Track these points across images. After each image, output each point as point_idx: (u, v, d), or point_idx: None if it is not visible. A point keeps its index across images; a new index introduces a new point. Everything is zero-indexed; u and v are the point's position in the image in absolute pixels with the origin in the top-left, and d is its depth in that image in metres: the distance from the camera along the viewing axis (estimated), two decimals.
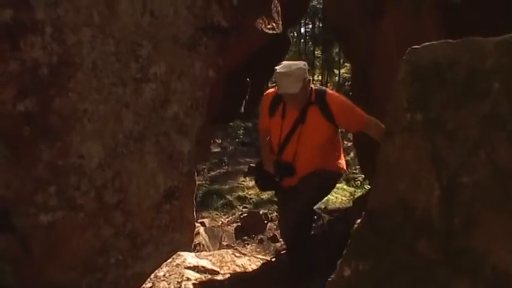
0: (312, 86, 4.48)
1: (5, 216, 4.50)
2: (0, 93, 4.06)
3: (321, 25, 18.95)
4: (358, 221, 2.90)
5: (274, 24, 6.01)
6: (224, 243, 10.05)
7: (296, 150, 4.46)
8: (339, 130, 4.69)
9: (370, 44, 6.65)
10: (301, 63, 4.26)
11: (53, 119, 4.30)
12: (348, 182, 12.18)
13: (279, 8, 6.25)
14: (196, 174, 6.12)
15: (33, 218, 4.55)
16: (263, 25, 5.79)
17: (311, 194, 4.63)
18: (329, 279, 2.94)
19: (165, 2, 4.62)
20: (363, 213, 2.86)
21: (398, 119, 2.69)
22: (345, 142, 15.62)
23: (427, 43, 2.71)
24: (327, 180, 4.73)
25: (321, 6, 13.80)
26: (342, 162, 4.71)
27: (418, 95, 2.63)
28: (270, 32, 5.98)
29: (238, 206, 12.66)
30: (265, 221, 11.26)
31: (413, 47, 2.70)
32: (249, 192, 13.34)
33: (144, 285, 4.42)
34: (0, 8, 3.91)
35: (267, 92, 4.72)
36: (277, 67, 4.18)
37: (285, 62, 4.20)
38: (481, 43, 2.58)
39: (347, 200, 10.42)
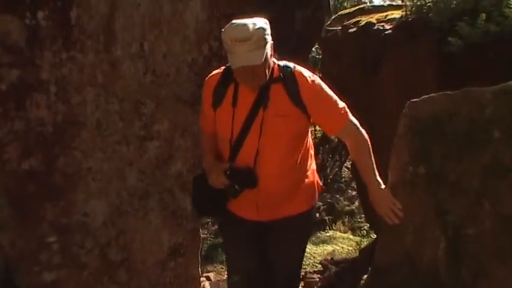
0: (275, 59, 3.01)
1: (9, 274, 4.47)
2: (5, 152, 4.09)
3: (321, 76, 19.25)
4: (365, 276, 2.87)
5: None
6: None
7: (258, 148, 2.91)
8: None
9: (369, 95, 6.72)
10: (261, 20, 2.83)
11: (57, 178, 4.32)
12: (353, 232, 12.08)
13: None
14: (200, 229, 6.09)
15: (37, 277, 4.51)
16: None
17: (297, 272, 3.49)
18: None
19: (166, 61, 4.70)
20: (370, 268, 2.84)
21: (401, 173, 2.70)
22: (349, 191, 15.57)
23: (426, 96, 2.75)
24: (309, 233, 3.55)
25: (321, 57, 14.06)
26: (317, 176, 3.36)
27: (420, 148, 2.65)
28: None
29: None
30: None
31: (412, 100, 2.74)
32: None
33: None
34: (7, 68, 3.98)
35: (210, 74, 3.19)
36: (225, 28, 2.79)
37: (236, 21, 2.78)
38: (479, 93, 2.62)
39: (353, 250, 10.30)
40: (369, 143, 2.94)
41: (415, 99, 2.72)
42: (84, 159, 4.40)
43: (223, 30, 2.78)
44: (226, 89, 2.99)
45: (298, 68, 2.99)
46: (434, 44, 5.69)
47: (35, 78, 4.07)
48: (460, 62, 5.23)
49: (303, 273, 8.91)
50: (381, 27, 6.88)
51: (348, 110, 2.98)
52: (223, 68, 3.05)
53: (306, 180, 3.16)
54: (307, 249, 11.14)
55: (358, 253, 9.33)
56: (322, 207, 13.67)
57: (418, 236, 2.62)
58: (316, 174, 3.30)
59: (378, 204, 2.82)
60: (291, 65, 3.02)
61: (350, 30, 7.45)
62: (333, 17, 8.72)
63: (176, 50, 4.71)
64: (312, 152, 3.23)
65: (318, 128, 20.16)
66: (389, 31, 6.68)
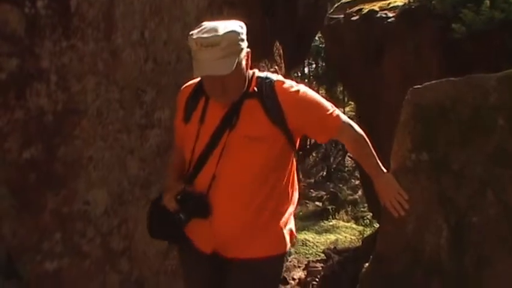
0: (256, 70, 2.60)
1: (11, 264, 4.47)
2: (5, 141, 4.08)
3: (324, 64, 19.13)
4: (366, 265, 2.85)
5: (277, 67, 6.07)
6: None
7: (215, 174, 2.46)
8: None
9: (372, 83, 6.68)
10: (235, 23, 2.42)
11: (58, 167, 4.31)
12: (356, 221, 12.08)
13: (281, 51, 6.32)
14: None
15: (39, 266, 4.51)
16: (266, 68, 5.84)
17: None
18: None
19: (167, 48, 4.67)
20: (371, 256, 2.82)
21: (403, 160, 2.67)
22: (352, 180, 15.56)
23: (429, 82, 2.71)
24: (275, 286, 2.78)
25: (323, 45, 14.00)
26: (292, 223, 2.69)
27: (423, 135, 2.62)
28: None
29: None
30: None
31: (415, 87, 2.70)
32: None
33: None
34: (7, 58, 3.96)
35: (185, 85, 2.75)
36: (193, 31, 2.38)
37: (205, 23, 2.40)
38: (483, 80, 2.58)
39: (356, 239, 10.31)
40: (365, 136, 2.60)
41: (418, 86, 2.69)
42: (85, 148, 4.38)
43: (190, 32, 2.35)
44: (198, 102, 2.53)
45: (281, 79, 2.51)
46: (437, 31, 5.64)
47: (34, 67, 4.05)
48: (464, 49, 5.19)
49: (305, 262, 8.94)
50: (384, 15, 6.83)
51: (337, 110, 2.56)
52: (197, 80, 2.58)
53: (276, 223, 2.55)
54: (310, 238, 11.17)
55: (361, 242, 9.34)
56: (325, 197, 13.69)
57: (421, 224, 2.60)
58: (292, 220, 2.67)
59: (383, 193, 2.60)
60: (273, 76, 2.54)
61: (353, 18, 7.39)
62: (336, 5, 8.66)
63: (177, 38, 4.68)
64: (292, 192, 2.64)
65: None
66: (392, 19, 6.63)
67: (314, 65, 20.38)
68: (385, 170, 2.62)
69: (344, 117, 2.56)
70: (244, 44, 2.40)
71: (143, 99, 4.64)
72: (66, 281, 4.59)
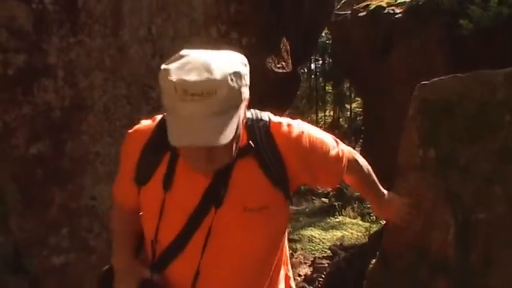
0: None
1: (18, 259, 4.50)
2: (13, 136, 4.10)
3: (330, 61, 19.09)
4: (373, 261, 2.85)
5: (283, 63, 6.05)
6: None
7: (199, 269, 1.70)
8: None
9: (379, 79, 6.67)
10: (236, 58, 1.62)
11: (65, 162, 4.33)
12: (362, 217, 12.07)
13: (288, 47, 6.30)
14: None
15: (46, 260, 4.54)
16: (273, 64, 5.83)
17: None
18: None
19: (174, 44, 4.68)
20: (377, 253, 2.81)
21: (410, 157, 2.66)
22: None
23: (436, 78, 2.70)
24: None
25: (330, 42, 13.95)
26: None
27: (430, 131, 2.61)
28: (280, 71, 6.02)
29: None
30: None
31: (422, 82, 2.69)
32: None
33: None
34: (14, 53, 3.98)
35: (136, 128, 1.88)
36: (168, 65, 1.53)
37: (189, 53, 1.57)
38: (491, 76, 2.57)
39: (362, 236, 10.29)
40: (368, 165, 2.16)
41: (425, 82, 2.68)
42: (92, 143, 4.40)
43: (164, 67, 1.50)
44: (159, 159, 1.70)
45: (276, 119, 1.78)
46: (444, 27, 5.63)
47: (42, 63, 4.07)
48: (471, 45, 5.17)
49: (312, 259, 8.94)
50: (391, 11, 6.82)
51: (340, 143, 1.97)
52: (155, 123, 1.76)
53: None
54: (316, 235, 11.20)
55: (367, 239, 9.32)
56: (331, 193, 13.67)
57: (427, 220, 2.59)
58: None
59: (395, 216, 2.47)
60: (265, 117, 1.78)
61: (360, 14, 7.38)
62: (343, 1, 8.65)
63: (184, 33, 4.68)
64: (283, 249, 1.92)
65: (327, 113, 20.12)
66: (400, 15, 6.62)
67: (321, 61, 20.35)
68: (386, 192, 2.33)
69: (347, 152, 2.00)
70: (247, 90, 1.60)
71: (150, 95, 4.64)
72: (72, 276, 4.61)
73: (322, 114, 19.53)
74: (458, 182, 2.53)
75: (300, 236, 10.22)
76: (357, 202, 12.64)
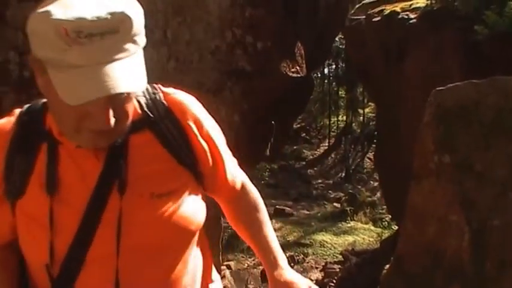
0: None
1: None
2: None
3: (344, 65, 19.06)
4: (387, 266, 2.85)
5: (298, 67, 6.06)
6: (250, 286, 9.93)
7: (118, 275, 1.27)
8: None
9: (393, 84, 6.65)
10: None
11: None
12: (374, 223, 12.04)
13: (303, 51, 6.31)
14: (222, 217, 6.12)
15: None
16: (287, 69, 5.84)
17: None
18: None
19: (189, 47, 4.71)
20: (392, 258, 2.81)
21: (425, 162, 2.66)
22: (371, 182, 15.50)
23: (451, 84, 2.70)
24: None
25: (344, 46, 13.94)
26: None
27: (445, 137, 2.61)
28: (294, 75, 6.03)
29: None
30: (292, 264, 11.13)
31: (437, 88, 2.69)
32: (275, 234, 13.27)
33: None
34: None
35: None
36: (44, 7, 1.10)
37: None
38: (506, 82, 2.57)
39: (374, 241, 10.27)
40: (258, 199, 1.64)
41: (440, 88, 2.68)
42: None
43: (40, 10, 1.12)
44: (33, 157, 1.32)
45: (167, 89, 1.42)
46: (459, 33, 5.61)
47: None
48: (486, 51, 5.15)
49: (323, 264, 8.93)
50: (406, 16, 6.80)
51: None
52: (17, 114, 1.36)
53: None
54: (328, 240, 11.17)
55: (379, 244, 9.31)
56: (343, 198, 13.67)
57: (442, 226, 2.59)
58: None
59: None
60: (153, 85, 1.42)
61: (374, 19, 7.37)
62: (357, 6, 8.64)
63: (199, 37, 4.71)
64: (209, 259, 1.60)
65: (340, 117, 20.11)
66: (414, 20, 6.60)
67: (334, 66, 20.34)
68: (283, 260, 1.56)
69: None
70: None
71: None
72: None
73: (335, 119, 19.50)
74: (473, 188, 2.53)
75: (311, 240, 10.22)
76: (368, 207, 12.63)
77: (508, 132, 2.47)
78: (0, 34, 4.03)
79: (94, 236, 1.27)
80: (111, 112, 1.15)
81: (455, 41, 5.71)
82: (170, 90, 1.42)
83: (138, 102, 1.32)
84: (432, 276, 2.60)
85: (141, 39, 1.19)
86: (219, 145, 1.43)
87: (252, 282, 10.20)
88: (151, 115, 1.34)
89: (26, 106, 1.37)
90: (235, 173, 1.52)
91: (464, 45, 5.56)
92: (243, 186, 1.58)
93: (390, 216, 10.23)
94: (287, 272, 1.49)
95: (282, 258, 1.54)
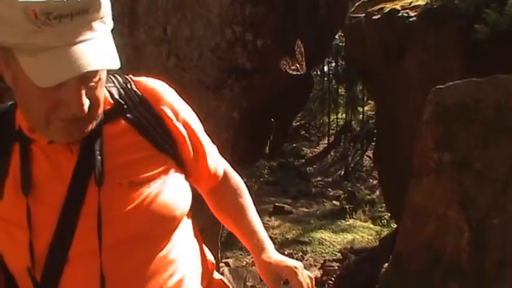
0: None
1: None
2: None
3: (343, 63, 19.03)
4: (386, 264, 2.85)
5: (298, 65, 6.06)
6: (249, 283, 9.94)
7: (103, 271, 1.18)
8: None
9: (393, 83, 6.65)
10: None
11: None
12: (373, 221, 12.06)
13: (303, 49, 6.31)
14: None
15: None
16: (287, 66, 5.84)
17: None
18: None
19: (189, 45, 4.70)
20: (390, 256, 2.81)
21: (425, 160, 2.66)
22: (370, 180, 15.51)
23: (451, 82, 2.70)
24: None
25: (343, 44, 13.89)
26: None
27: (445, 135, 2.61)
28: (294, 73, 6.03)
29: None
30: None
31: (437, 86, 2.69)
32: (274, 232, 13.25)
33: None
34: None
35: None
36: None
37: None
38: (506, 80, 2.57)
39: (373, 239, 10.29)
40: (241, 183, 1.56)
41: (440, 86, 2.68)
42: None
43: None
44: (6, 158, 1.28)
45: (136, 77, 1.35)
46: (459, 31, 5.61)
47: None
48: (486, 49, 5.15)
49: (322, 261, 8.94)
50: (406, 14, 6.79)
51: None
52: None
53: None
54: (326, 237, 11.18)
55: (378, 242, 9.32)
56: (342, 196, 13.68)
57: (441, 225, 2.59)
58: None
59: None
60: (121, 75, 1.37)
61: (374, 17, 7.37)
62: (357, 4, 8.64)
63: (199, 34, 4.71)
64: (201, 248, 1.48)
65: (340, 115, 20.11)
66: (414, 18, 6.59)
67: (334, 64, 20.33)
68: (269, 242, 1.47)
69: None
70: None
71: None
72: None
73: (335, 117, 19.51)
74: (473, 187, 2.53)
75: (310, 238, 10.23)
76: (367, 205, 12.64)
77: (508, 130, 2.47)
78: None
79: (74, 233, 1.22)
80: (83, 97, 1.10)
81: (456, 39, 5.71)
82: (141, 78, 1.35)
83: (110, 92, 1.26)
84: (431, 274, 2.60)
85: (109, 20, 1.13)
86: (197, 130, 1.37)
87: (250, 280, 10.21)
88: (125, 104, 1.28)
89: None
90: (216, 159, 1.46)
91: (464, 44, 5.55)
92: (225, 173, 1.51)
93: (389, 214, 10.24)
94: (274, 254, 1.43)
95: (268, 242, 1.46)
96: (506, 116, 2.47)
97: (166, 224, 1.30)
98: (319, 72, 19.77)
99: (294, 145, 18.18)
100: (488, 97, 2.56)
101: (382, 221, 11.69)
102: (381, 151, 8.42)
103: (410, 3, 7.12)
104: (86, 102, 1.11)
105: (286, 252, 11.10)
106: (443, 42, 5.87)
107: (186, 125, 1.33)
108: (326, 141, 18.41)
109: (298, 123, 19.04)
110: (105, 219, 1.20)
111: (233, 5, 4.84)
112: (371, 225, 11.63)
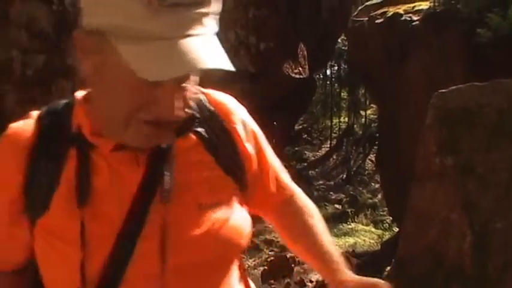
0: None
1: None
2: None
3: (346, 67, 19.04)
4: (388, 268, 2.85)
5: (300, 68, 6.07)
6: None
7: None
8: None
9: (396, 86, 6.65)
10: None
11: None
12: (375, 225, 12.04)
13: (305, 53, 6.33)
14: None
15: None
16: (290, 70, 5.85)
17: None
18: None
19: None
20: (393, 260, 2.81)
21: (428, 164, 2.66)
22: (372, 184, 15.49)
23: (454, 87, 2.70)
24: None
25: (346, 48, 13.89)
26: None
27: (447, 139, 2.61)
28: (297, 76, 6.04)
29: (264, 249, 12.53)
30: (292, 265, 11.10)
31: (440, 90, 2.69)
32: (276, 235, 13.25)
33: None
34: (34, 54, 4.02)
35: (7, 132, 1.09)
36: None
37: None
38: (509, 84, 2.57)
39: (375, 243, 10.26)
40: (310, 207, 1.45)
41: (443, 90, 2.68)
42: None
43: None
44: (60, 163, 1.09)
45: (211, 91, 1.25)
46: (462, 35, 5.61)
47: (61, 64, 4.11)
48: (489, 54, 5.15)
49: None
50: (408, 19, 6.80)
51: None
52: (35, 117, 1.13)
53: None
54: None
55: (379, 246, 9.30)
56: (344, 199, 13.66)
57: (444, 229, 2.59)
58: None
59: None
60: (196, 87, 1.11)
61: (377, 21, 7.37)
62: (360, 8, 8.64)
63: None
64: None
65: (342, 119, 20.11)
66: (417, 22, 6.60)
67: (336, 67, 20.33)
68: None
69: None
70: None
71: None
72: None
73: (337, 120, 19.47)
74: (476, 191, 2.52)
75: None
76: (369, 209, 12.62)
77: (511, 135, 2.47)
78: (4, 32, 4.04)
79: (133, 253, 1.08)
80: (179, 99, 0.99)
81: (459, 44, 5.71)
82: (211, 91, 1.25)
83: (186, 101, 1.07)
84: (433, 278, 2.60)
85: (217, 19, 1.01)
86: (266, 150, 1.29)
87: (252, 283, 10.20)
88: (197, 116, 1.16)
89: (45, 108, 1.14)
90: (284, 179, 1.38)
91: (467, 48, 5.55)
92: (294, 194, 1.41)
93: (391, 218, 10.22)
94: (352, 274, 1.29)
95: (342, 262, 1.33)
96: (509, 121, 2.47)
97: (232, 251, 1.22)
98: (321, 76, 19.77)
99: (296, 148, 18.16)
100: (490, 101, 2.56)
101: (384, 225, 11.66)
102: (383, 155, 8.42)
103: (414, 7, 7.13)
104: (179, 106, 1.00)
105: (288, 256, 11.08)
106: (446, 46, 5.87)
107: (255, 144, 1.25)
108: (328, 145, 18.39)
109: (300, 127, 19.04)
110: (170, 242, 1.08)
111: (236, 8, 4.86)
112: (373, 229, 11.60)
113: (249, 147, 1.22)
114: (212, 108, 1.19)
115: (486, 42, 5.07)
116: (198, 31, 0.94)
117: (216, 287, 1.18)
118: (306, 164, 17.32)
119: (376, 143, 13.31)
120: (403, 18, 6.92)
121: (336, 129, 19.01)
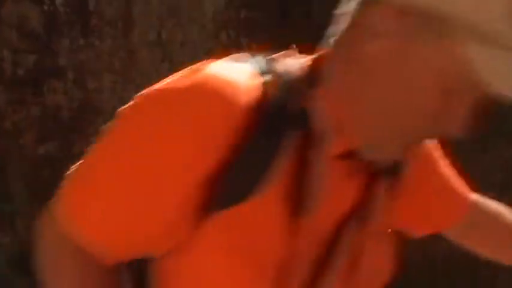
0: None
1: (24, 260, 4.50)
2: (21, 136, 4.11)
3: None
4: None
5: None
6: None
7: None
8: None
9: None
10: None
11: (73, 163, 4.32)
12: None
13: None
14: None
15: None
16: None
17: None
18: None
19: (183, 49, 4.69)
20: None
21: None
22: None
23: None
24: None
25: None
26: None
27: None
28: None
29: None
30: None
31: None
32: None
33: None
34: (24, 54, 4.00)
35: (223, 84, 0.84)
36: None
37: None
38: None
39: None
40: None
41: None
42: None
43: None
44: (273, 155, 0.79)
45: None
46: None
47: (52, 64, 4.09)
48: None
49: None
50: None
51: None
52: (260, 82, 0.87)
53: None
54: None
55: None
56: None
57: None
58: None
59: None
60: None
61: None
62: None
63: (193, 39, 4.70)
64: None
65: None
66: None
67: None
68: None
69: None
70: None
71: None
72: None
73: None
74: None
75: None
76: None
77: (507, 135, 2.47)
78: None
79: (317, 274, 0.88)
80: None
81: None
82: None
83: None
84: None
85: None
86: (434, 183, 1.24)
87: None
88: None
89: (275, 72, 0.91)
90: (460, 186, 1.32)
91: None
92: (474, 198, 1.34)
93: None
94: None
95: None
96: (504, 121, 2.47)
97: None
98: None
99: None
100: None
101: None
102: None
103: None
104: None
105: None
106: None
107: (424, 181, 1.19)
108: None
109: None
110: (356, 268, 0.95)
111: (227, 9, 4.84)
112: None
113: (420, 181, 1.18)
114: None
115: None
116: None
117: None
118: None
119: None
120: None
121: None
